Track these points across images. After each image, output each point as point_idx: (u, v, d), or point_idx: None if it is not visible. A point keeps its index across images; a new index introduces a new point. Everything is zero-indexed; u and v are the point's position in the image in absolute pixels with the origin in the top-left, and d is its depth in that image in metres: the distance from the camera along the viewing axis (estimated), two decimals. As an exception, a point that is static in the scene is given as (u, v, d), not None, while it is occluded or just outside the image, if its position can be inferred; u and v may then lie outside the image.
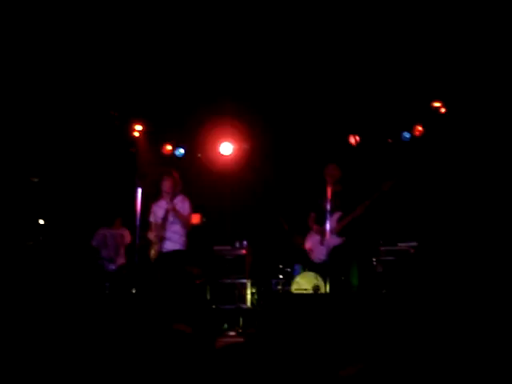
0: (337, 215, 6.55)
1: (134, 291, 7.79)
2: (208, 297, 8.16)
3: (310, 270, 7.61)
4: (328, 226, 6.34)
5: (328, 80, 8.03)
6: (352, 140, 8.75)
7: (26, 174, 9.02)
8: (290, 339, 6.16)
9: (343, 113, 8.55)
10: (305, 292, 7.56)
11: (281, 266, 8.27)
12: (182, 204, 6.65)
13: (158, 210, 6.66)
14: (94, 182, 9.35)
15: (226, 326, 7.77)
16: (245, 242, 8.55)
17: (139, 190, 6.43)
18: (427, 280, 7.48)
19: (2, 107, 8.00)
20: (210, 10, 6.75)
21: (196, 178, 9.32)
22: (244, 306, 8.10)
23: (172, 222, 6.57)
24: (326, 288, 6.79)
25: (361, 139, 8.73)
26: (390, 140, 8.78)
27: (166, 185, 6.62)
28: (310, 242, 7.09)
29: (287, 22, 6.86)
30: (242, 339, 7.01)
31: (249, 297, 8.16)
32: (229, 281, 8.24)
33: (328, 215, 6.34)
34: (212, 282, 8.24)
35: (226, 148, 9.26)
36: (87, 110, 8.53)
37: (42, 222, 8.91)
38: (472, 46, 7.11)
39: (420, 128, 8.54)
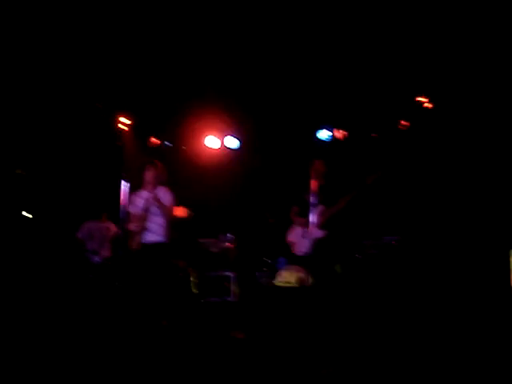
0: (319, 208, 6.59)
1: (117, 283, 7.76)
2: (193, 290, 8.17)
3: (294, 262, 7.65)
4: (311, 219, 6.38)
5: (314, 74, 8.04)
6: (338, 134, 8.79)
7: (11, 167, 9.00)
8: (274, 333, 6.21)
9: (328, 107, 8.59)
10: (289, 285, 7.59)
11: (265, 259, 8.31)
12: (164, 195, 6.49)
13: (139, 200, 6.49)
14: (79, 175, 9.35)
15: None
16: (230, 235, 8.57)
17: (124, 183, 6.42)
18: (410, 273, 7.55)
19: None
20: (196, 5, 6.73)
21: (181, 171, 9.35)
22: (229, 299, 8.11)
23: (154, 213, 6.41)
24: (309, 281, 6.83)
25: (346, 132, 8.78)
26: (374, 134, 8.82)
27: (149, 175, 6.48)
28: (293, 235, 7.10)
29: (273, 14, 6.84)
30: (228, 333, 7.03)
31: (233, 290, 8.17)
32: (214, 274, 8.26)
33: (312, 209, 6.38)
34: (197, 275, 8.25)
35: (212, 141, 9.29)
36: (73, 103, 8.50)
37: (27, 214, 8.90)
38: (458, 40, 7.12)
39: (404, 122, 8.59)
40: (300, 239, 6.89)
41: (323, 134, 8.82)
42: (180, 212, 8.79)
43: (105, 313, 7.05)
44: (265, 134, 9.16)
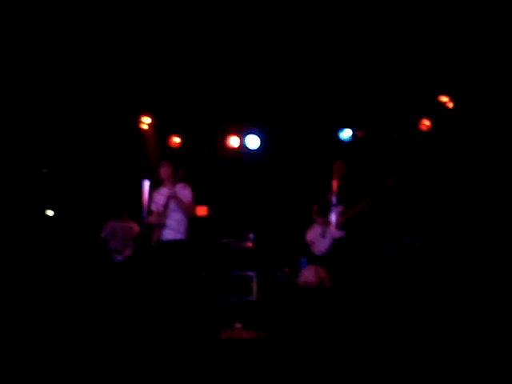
0: (339, 208, 6.58)
1: (139, 282, 7.82)
2: (215, 289, 8.19)
3: (314, 262, 7.65)
4: (331, 219, 6.38)
5: (337, 72, 8.01)
6: (360, 134, 8.76)
7: (36, 166, 9.12)
8: (294, 332, 6.21)
9: (350, 107, 8.56)
10: (310, 285, 7.58)
11: (287, 259, 8.31)
12: (183, 191, 6.56)
13: (159, 197, 6.59)
14: (103, 175, 9.43)
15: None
16: (251, 235, 8.59)
17: (146, 183, 6.48)
18: (433, 274, 7.49)
19: (13, 100, 8.09)
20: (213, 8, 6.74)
21: (203, 170, 9.39)
22: (250, 298, 8.12)
23: (173, 209, 6.49)
24: (329, 281, 6.82)
25: (367, 132, 8.74)
26: (397, 135, 8.77)
27: (163, 172, 6.59)
28: (312, 234, 7.09)
29: (285, 14, 6.82)
30: (248, 332, 7.04)
31: (255, 289, 8.18)
32: (235, 273, 8.29)
33: (332, 208, 6.38)
34: (219, 274, 8.27)
35: (234, 141, 9.31)
36: (97, 103, 8.58)
37: (51, 213, 8.99)
38: (477, 40, 7.06)
39: (427, 122, 8.53)
40: (319, 239, 6.89)
41: (345, 134, 8.79)
42: (201, 211, 8.85)
43: (126, 311, 7.10)
44: (287, 134, 9.14)
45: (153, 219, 6.51)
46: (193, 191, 6.68)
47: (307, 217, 7.19)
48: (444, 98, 8.27)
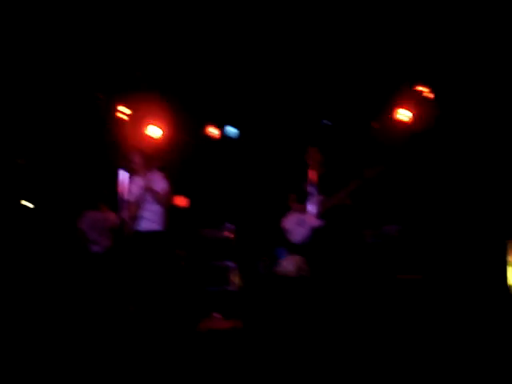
0: (320, 198, 6.57)
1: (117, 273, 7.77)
2: (194, 279, 8.18)
3: (293, 252, 7.67)
4: (309, 208, 6.36)
5: (312, 61, 7.98)
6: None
7: (12, 156, 9.01)
8: (274, 322, 6.22)
9: (328, 95, 8.55)
10: (288, 274, 7.60)
11: (265, 249, 8.31)
12: (159, 182, 6.47)
13: (135, 187, 6.49)
14: (80, 165, 9.35)
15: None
16: (230, 225, 8.56)
17: (123, 173, 6.41)
18: (411, 263, 7.54)
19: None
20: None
21: (182, 161, 9.35)
22: (229, 289, 8.11)
23: (148, 200, 6.37)
24: (308, 270, 6.83)
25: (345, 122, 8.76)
26: (376, 125, 8.78)
27: (135, 160, 6.49)
28: (288, 222, 7.07)
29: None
30: (227, 322, 7.04)
31: (234, 279, 8.17)
32: (214, 263, 8.26)
33: (310, 198, 6.36)
34: (198, 265, 8.25)
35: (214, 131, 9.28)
36: (72, 92, 8.48)
37: (27, 204, 8.90)
38: (460, 27, 7.06)
39: (406, 113, 8.54)
40: (296, 227, 6.88)
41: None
42: (180, 201, 8.80)
43: (104, 302, 7.07)
44: (264, 123, 9.11)
45: (125, 211, 6.41)
46: (169, 181, 6.58)
47: (285, 206, 7.18)
48: (422, 88, 8.28)
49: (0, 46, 7.19)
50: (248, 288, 7.96)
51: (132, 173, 6.55)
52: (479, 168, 7.87)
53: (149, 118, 8.76)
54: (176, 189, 6.90)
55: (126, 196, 6.48)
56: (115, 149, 8.37)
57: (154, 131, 9.03)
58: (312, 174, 6.33)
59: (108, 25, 7.04)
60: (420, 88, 8.30)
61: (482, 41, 7.03)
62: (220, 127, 9.22)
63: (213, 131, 9.29)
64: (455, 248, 7.55)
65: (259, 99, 8.71)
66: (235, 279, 8.15)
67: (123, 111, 8.87)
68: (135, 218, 6.38)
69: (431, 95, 8.31)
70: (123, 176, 6.42)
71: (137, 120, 8.97)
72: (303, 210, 6.73)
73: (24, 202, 8.72)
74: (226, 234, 8.49)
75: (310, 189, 6.34)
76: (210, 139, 9.27)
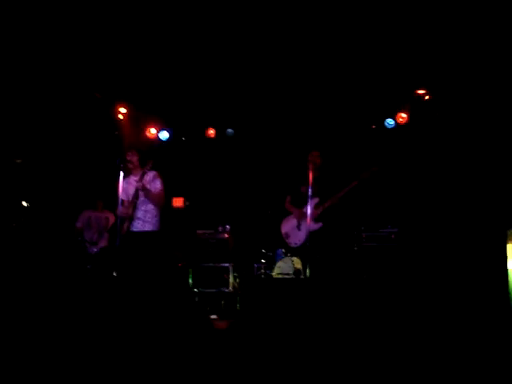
0: (314, 201, 6.57)
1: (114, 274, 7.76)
2: (190, 280, 8.18)
3: (290, 254, 7.70)
4: (306, 211, 6.34)
5: (312, 67, 7.99)
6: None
7: (10, 156, 8.99)
8: (271, 324, 6.21)
9: (327, 99, 8.56)
10: (286, 277, 7.62)
11: (263, 251, 8.32)
12: (153, 181, 6.45)
13: (129, 187, 6.47)
14: (78, 165, 9.34)
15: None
16: (227, 226, 8.58)
17: (121, 173, 6.39)
18: (408, 266, 7.55)
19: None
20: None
21: (180, 162, 9.36)
22: (226, 290, 8.11)
23: (143, 200, 6.37)
24: (306, 273, 6.82)
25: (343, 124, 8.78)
26: (373, 126, 8.80)
27: (129, 160, 6.46)
28: (287, 227, 7.06)
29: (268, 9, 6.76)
30: (223, 323, 7.04)
31: (231, 281, 8.18)
32: (211, 264, 8.26)
33: (307, 200, 6.33)
34: (194, 266, 8.25)
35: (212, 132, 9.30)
36: (72, 92, 8.47)
37: (25, 203, 8.89)
38: (460, 31, 7.06)
39: (404, 115, 8.57)
40: (295, 231, 6.88)
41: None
42: (177, 202, 8.82)
43: (99, 304, 7.05)
44: (263, 125, 9.12)
45: (120, 210, 6.36)
46: (163, 181, 6.56)
47: (282, 208, 7.18)
48: (421, 91, 8.30)
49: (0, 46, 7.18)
50: (244, 289, 7.96)
51: (127, 172, 6.53)
52: (478, 167, 7.89)
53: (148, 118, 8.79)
54: (174, 190, 6.89)
55: (122, 196, 6.44)
56: (115, 148, 8.39)
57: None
58: (310, 177, 6.31)
59: (108, 25, 7.02)
60: (418, 91, 8.33)
61: (482, 41, 7.04)
62: (218, 129, 9.24)
63: (210, 132, 9.31)
64: (455, 248, 7.58)
65: (259, 100, 8.72)
66: (232, 281, 8.16)
67: (121, 111, 8.90)
68: (129, 218, 6.36)
69: (429, 97, 8.34)
70: (122, 176, 6.40)
71: (134, 120, 9.00)
72: (302, 214, 6.74)
73: (23, 203, 8.70)
74: (223, 235, 8.50)
75: (308, 191, 6.32)
76: (208, 140, 9.29)
